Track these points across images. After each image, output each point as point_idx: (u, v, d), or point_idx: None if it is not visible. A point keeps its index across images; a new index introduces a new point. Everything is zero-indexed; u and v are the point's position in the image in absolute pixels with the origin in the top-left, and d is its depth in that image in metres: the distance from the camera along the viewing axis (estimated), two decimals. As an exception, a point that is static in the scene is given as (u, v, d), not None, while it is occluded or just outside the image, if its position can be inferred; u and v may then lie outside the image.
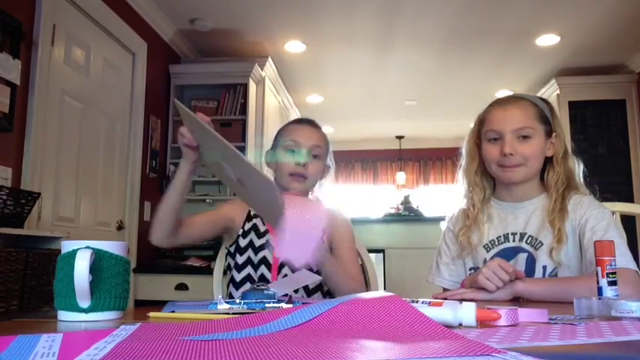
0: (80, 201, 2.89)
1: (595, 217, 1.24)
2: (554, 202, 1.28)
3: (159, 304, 0.89)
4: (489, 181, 1.41)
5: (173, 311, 0.77)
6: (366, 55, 4.46)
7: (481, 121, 1.37)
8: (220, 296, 1.14)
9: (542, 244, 1.27)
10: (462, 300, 0.65)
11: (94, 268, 0.72)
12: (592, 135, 4.60)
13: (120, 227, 3.30)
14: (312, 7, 3.62)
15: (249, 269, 1.37)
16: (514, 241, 1.32)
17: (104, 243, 0.74)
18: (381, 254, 3.94)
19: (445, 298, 1.14)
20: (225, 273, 1.43)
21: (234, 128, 4.01)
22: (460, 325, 0.60)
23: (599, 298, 0.78)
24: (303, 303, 0.75)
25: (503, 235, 1.34)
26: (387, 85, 5.28)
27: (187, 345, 0.44)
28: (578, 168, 1.36)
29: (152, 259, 3.61)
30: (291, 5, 3.58)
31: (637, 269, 1.15)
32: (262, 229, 1.39)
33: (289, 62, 4.61)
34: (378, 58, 4.55)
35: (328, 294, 1.36)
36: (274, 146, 1.46)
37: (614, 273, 0.85)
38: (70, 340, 0.49)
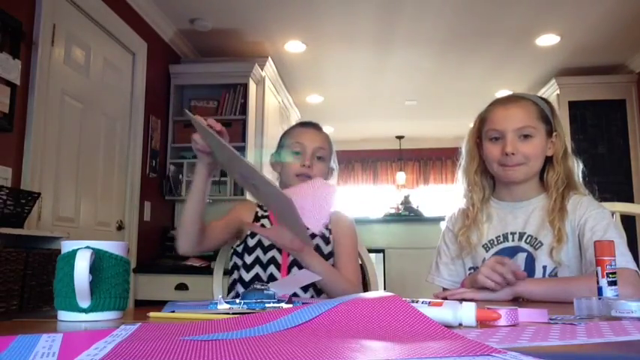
0: (80, 201, 2.89)
1: (594, 218, 1.24)
2: (553, 202, 1.29)
3: (159, 304, 0.89)
4: (489, 180, 1.41)
5: (173, 311, 0.77)
6: (366, 55, 4.46)
7: (482, 121, 1.37)
8: (220, 296, 1.14)
9: (542, 244, 1.27)
10: (461, 300, 0.65)
11: (94, 268, 0.72)
12: (592, 135, 4.60)
13: (120, 227, 3.30)
14: (312, 7, 3.62)
15: (257, 269, 1.38)
16: (513, 240, 1.32)
17: (104, 243, 0.74)
18: (381, 254, 3.94)
19: (445, 298, 1.15)
20: (231, 272, 1.43)
21: (234, 128, 4.01)
22: (460, 325, 0.61)
23: (599, 298, 0.78)
24: (303, 303, 0.75)
25: (503, 234, 1.34)
26: (387, 85, 5.28)
27: (187, 345, 0.44)
28: (578, 168, 1.36)
29: (152, 259, 3.61)
30: (291, 5, 3.58)
31: (637, 269, 1.15)
32: None
33: (289, 62, 4.61)
34: (378, 58, 4.55)
35: None
36: (279, 148, 1.48)
37: (614, 273, 0.85)
38: (70, 340, 0.49)
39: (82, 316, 0.72)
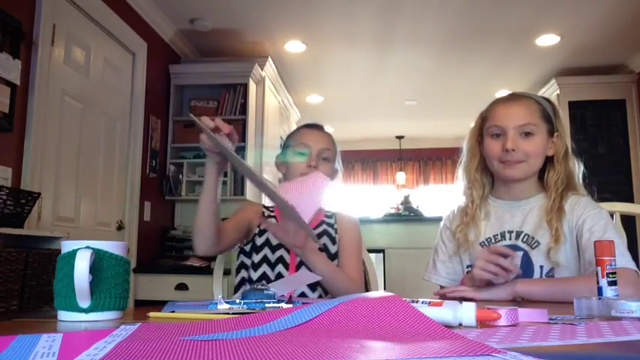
0: (80, 201, 2.89)
1: (592, 218, 1.24)
2: (552, 202, 1.29)
3: (159, 304, 0.89)
4: (488, 178, 1.42)
5: (173, 311, 0.77)
6: (366, 55, 4.46)
7: (484, 118, 1.38)
8: (220, 296, 1.14)
9: (539, 244, 1.28)
10: (462, 300, 0.65)
11: (94, 268, 0.72)
12: (592, 135, 4.60)
13: (120, 227, 3.30)
14: (312, 7, 3.62)
15: (265, 267, 1.39)
16: (510, 239, 1.32)
17: (104, 243, 0.74)
18: (381, 254, 3.94)
19: (444, 295, 1.15)
20: (237, 272, 1.45)
21: (234, 128, 3.99)
22: (460, 325, 0.61)
23: (599, 298, 0.78)
24: (303, 303, 0.75)
25: (500, 233, 1.34)
26: (387, 85, 5.28)
27: (187, 345, 0.44)
28: (578, 169, 1.36)
29: (152, 259, 3.61)
30: (291, 5, 3.58)
31: (636, 269, 1.15)
32: None
33: (289, 62, 4.61)
34: (378, 58, 4.55)
35: None
36: (284, 149, 1.50)
37: (614, 273, 0.85)
38: (70, 340, 0.49)
39: (82, 316, 0.72)
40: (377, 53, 4.43)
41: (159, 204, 3.81)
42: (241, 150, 3.95)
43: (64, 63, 2.75)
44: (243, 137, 4.03)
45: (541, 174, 1.36)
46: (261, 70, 4.30)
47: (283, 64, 4.62)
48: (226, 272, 1.51)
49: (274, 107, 4.80)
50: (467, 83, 5.14)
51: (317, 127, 1.50)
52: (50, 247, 2.03)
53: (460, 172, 1.45)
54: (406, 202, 6.25)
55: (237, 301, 0.83)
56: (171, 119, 4.03)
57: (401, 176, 7.61)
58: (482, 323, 0.61)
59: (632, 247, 1.24)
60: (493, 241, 1.34)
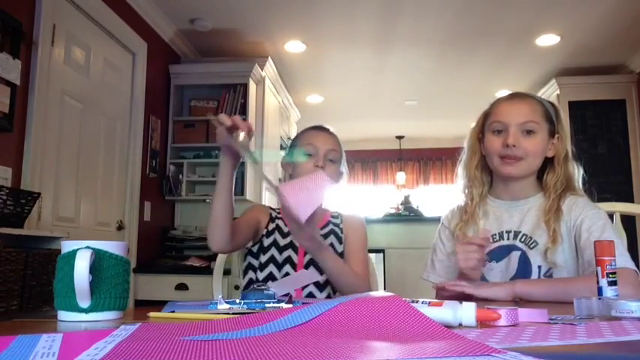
0: (80, 201, 2.89)
1: (590, 218, 1.25)
2: (550, 202, 1.29)
3: (159, 304, 0.89)
4: (487, 177, 1.42)
5: (173, 311, 0.77)
6: (366, 55, 4.46)
7: (486, 116, 1.39)
8: (220, 296, 1.14)
9: (536, 244, 1.28)
10: (461, 300, 0.65)
11: (94, 268, 0.72)
12: (592, 135, 4.60)
13: (120, 227, 3.30)
14: (312, 7, 3.62)
15: (271, 267, 1.40)
16: (508, 239, 1.33)
17: (104, 243, 0.74)
18: (381, 254, 3.94)
19: (444, 287, 1.16)
20: (244, 273, 1.46)
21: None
22: (460, 325, 0.61)
23: (599, 298, 0.78)
24: (303, 303, 0.75)
25: (498, 233, 1.34)
26: (387, 85, 5.28)
27: (187, 345, 0.44)
28: (578, 173, 1.37)
29: (152, 259, 3.62)
30: (291, 5, 3.58)
31: (636, 269, 1.15)
32: (285, 229, 1.44)
33: (289, 62, 4.61)
34: (378, 58, 4.55)
35: None
36: (291, 149, 1.51)
37: (614, 273, 0.85)
38: (70, 340, 0.49)
39: (82, 316, 0.72)
40: (377, 53, 4.43)
41: (159, 204, 3.81)
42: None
43: (64, 63, 2.75)
44: (243, 137, 4.03)
45: (540, 175, 1.37)
46: (261, 70, 4.30)
47: (283, 64, 4.62)
48: (226, 272, 1.51)
49: (274, 107, 4.80)
50: (467, 83, 5.13)
51: (324, 129, 1.52)
52: (50, 247, 2.03)
53: (460, 169, 1.45)
54: (406, 202, 6.25)
55: (237, 301, 0.83)
56: (172, 119, 4.03)
57: (401, 176, 7.61)
58: (482, 323, 0.61)
59: (632, 247, 1.24)
60: (491, 240, 1.34)
